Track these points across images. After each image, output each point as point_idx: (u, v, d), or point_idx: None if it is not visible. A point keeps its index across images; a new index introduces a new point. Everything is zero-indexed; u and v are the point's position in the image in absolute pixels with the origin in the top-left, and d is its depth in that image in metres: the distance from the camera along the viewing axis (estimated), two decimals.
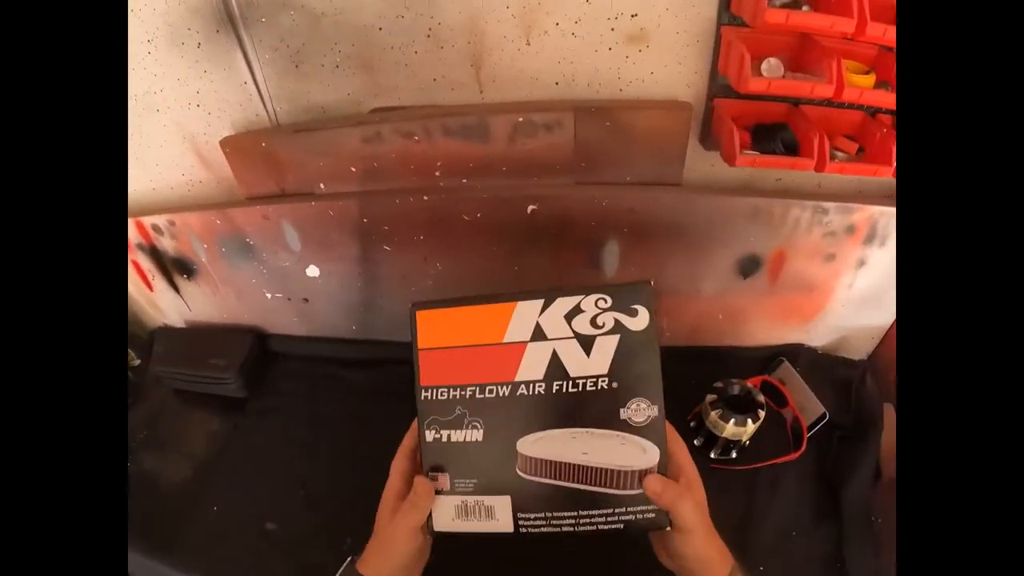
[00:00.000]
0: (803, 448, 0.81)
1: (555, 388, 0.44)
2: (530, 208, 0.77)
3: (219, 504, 0.82)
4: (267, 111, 0.79)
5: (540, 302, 0.45)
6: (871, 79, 0.63)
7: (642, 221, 0.76)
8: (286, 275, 0.92)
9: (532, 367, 0.44)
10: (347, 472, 0.84)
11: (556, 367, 0.44)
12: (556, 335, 0.45)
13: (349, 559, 0.52)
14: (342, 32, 0.70)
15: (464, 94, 0.74)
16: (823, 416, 0.82)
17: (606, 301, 0.44)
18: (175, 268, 0.94)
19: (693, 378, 0.91)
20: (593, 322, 0.44)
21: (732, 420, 0.77)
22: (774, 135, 0.67)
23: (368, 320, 0.98)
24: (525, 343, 0.44)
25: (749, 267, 0.81)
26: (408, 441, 0.53)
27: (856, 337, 0.90)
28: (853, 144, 0.68)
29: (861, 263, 0.79)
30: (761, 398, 0.80)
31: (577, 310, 0.44)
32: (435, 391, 0.46)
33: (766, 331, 0.91)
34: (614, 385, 0.44)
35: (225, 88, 0.77)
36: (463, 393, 0.45)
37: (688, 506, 0.47)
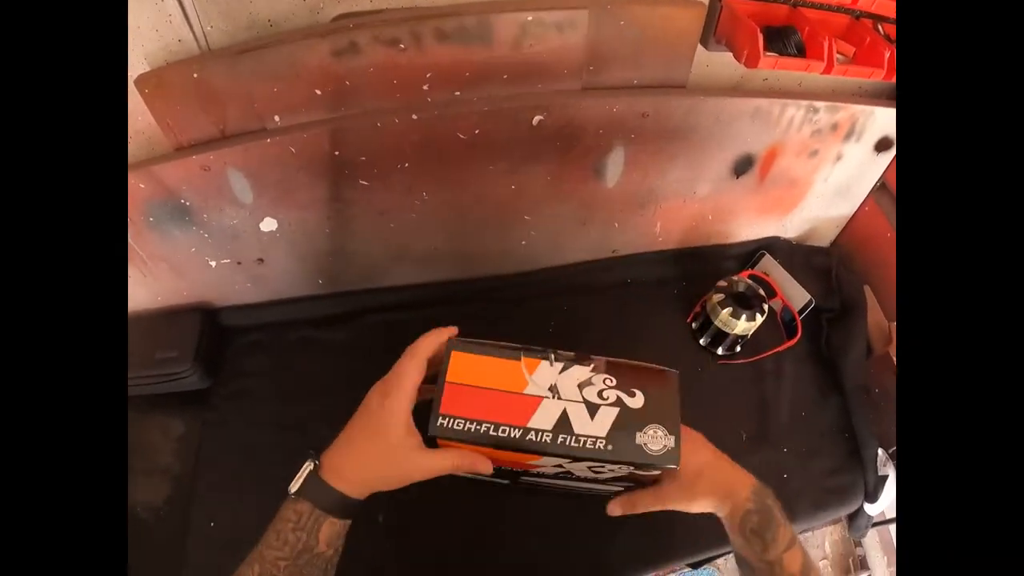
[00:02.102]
0: (799, 334, 0.87)
1: (559, 440, 0.49)
2: (536, 119, 0.69)
3: (216, 518, 0.70)
4: (194, 34, 0.60)
5: (561, 364, 0.52)
6: None
7: (652, 126, 0.73)
8: (235, 235, 0.76)
9: (544, 418, 0.49)
10: None
11: (564, 423, 0.49)
12: (569, 397, 0.50)
13: (312, 466, 0.48)
14: None
15: None
16: (810, 302, 0.88)
17: (612, 381, 0.51)
18: None
19: (684, 279, 0.94)
20: (600, 394, 0.51)
21: (743, 316, 0.80)
22: (787, 37, 0.66)
23: (338, 270, 0.86)
24: (542, 397, 0.50)
25: (743, 166, 0.82)
26: (425, 344, 0.52)
27: (824, 226, 0.97)
28: (850, 47, 0.70)
29: (838, 158, 0.83)
30: (762, 292, 0.83)
31: (588, 382, 0.51)
32: (452, 420, 0.49)
33: (748, 227, 0.95)
34: (609, 447, 0.49)
35: (135, 11, 0.57)
36: (478, 427, 0.49)
37: (663, 499, 0.56)
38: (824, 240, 1.00)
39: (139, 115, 0.65)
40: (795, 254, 0.95)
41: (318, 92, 0.65)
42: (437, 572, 0.71)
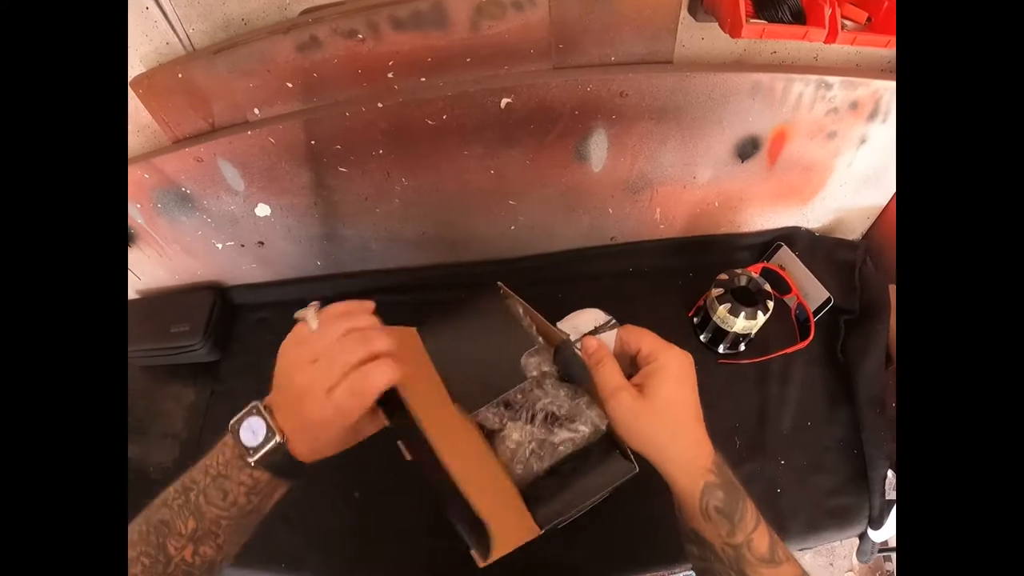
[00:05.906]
0: (811, 335, 0.79)
1: None
2: (504, 102, 0.67)
3: None
4: (178, 36, 0.64)
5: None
6: None
7: (633, 105, 0.68)
8: (234, 220, 0.81)
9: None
10: None
11: None
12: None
13: (279, 439, 0.45)
14: None
15: None
16: (828, 301, 0.79)
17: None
18: None
19: (690, 270, 0.89)
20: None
21: (742, 314, 0.74)
22: (781, 3, 0.58)
23: (333, 252, 0.89)
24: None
25: (748, 149, 0.75)
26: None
27: (852, 217, 0.87)
28: (862, 13, 0.60)
29: (862, 141, 0.73)
30: (768, 288, 0.76)
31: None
32: None
33: (762, 216, 0.86)
34: None
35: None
36: None
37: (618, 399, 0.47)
38: (854, 232, 0.89)
39: (141, 111, 0.70)
40: (817, 247, 0.85)
41: (289, 85, 0.67)
42: (410, 546, 0.73)
